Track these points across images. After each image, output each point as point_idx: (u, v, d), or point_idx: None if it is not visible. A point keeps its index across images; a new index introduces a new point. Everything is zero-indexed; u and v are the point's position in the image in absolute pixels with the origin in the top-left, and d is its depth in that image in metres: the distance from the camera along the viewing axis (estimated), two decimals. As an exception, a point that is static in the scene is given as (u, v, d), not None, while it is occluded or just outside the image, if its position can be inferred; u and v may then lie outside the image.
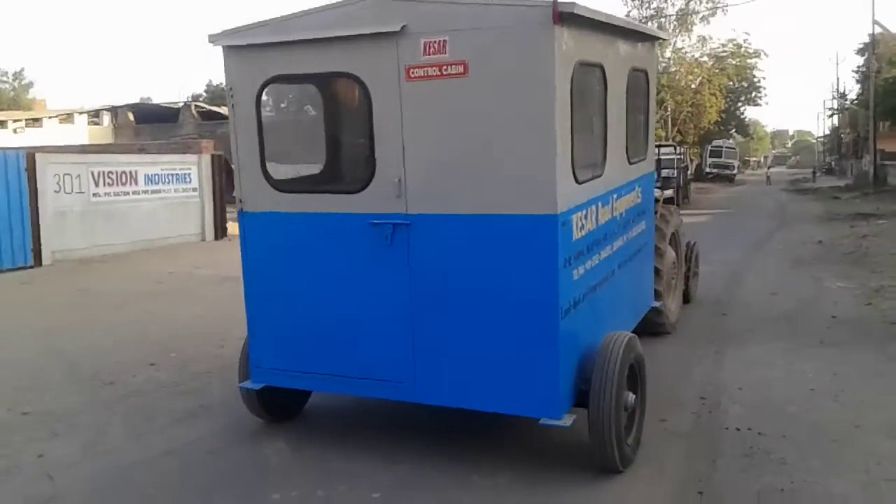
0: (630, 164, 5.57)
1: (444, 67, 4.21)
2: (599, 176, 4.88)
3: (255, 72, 4.66)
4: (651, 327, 7.41)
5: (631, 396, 4.65)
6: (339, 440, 5.15)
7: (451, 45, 4.18)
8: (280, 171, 5.06)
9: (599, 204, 4.85)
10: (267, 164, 4.76)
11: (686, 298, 8.96)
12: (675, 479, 4.51)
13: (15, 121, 35.78)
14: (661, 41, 6.47)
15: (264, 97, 4.80)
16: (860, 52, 44.14)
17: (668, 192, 8.08)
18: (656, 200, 7.39)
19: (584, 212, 4.55)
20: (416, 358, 4.56)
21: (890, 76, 36.29)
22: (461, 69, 4.19)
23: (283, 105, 6.01)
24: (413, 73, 4.28)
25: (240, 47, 4.65)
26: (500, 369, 4.38)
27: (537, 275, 4.21)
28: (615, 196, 5.20)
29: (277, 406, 5.37)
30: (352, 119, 4.60)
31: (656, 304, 6.67)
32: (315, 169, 5.52)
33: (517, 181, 4.19)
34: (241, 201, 4.87)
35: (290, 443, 5.17)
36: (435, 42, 4.21)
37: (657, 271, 7.16)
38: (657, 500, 4.29)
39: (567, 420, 4.29)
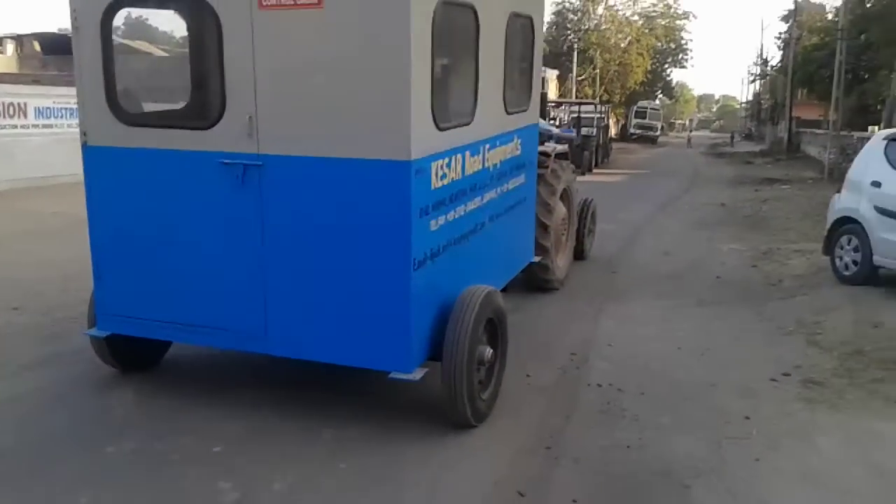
0: (508, 114, 5.41)
1: (297, -3, 3.94)
2: (467, 124, 4.70)
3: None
4: (538, 282, 7.40)
5: (488, 351, 4.57)
6: (193, 392, 4.93)
7: (306, -25, 3.91)
8: (145, 107, 4.73)
9: (467, 153, 4.68)
10: (118, 96, 4.42)
11: (579, 255, 8.97)
12: (527, 434, 4.47)
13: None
14: None
15: (117, 22, 4.43)
16: (784, 18, 44.97)
17: (561, 147, 7.97)
18: (546, 155, 7.31)
19: (447, 160, 4.37)
20: (268, 308, 4.36)
21: (809, 44, 37.17)
22: None
23: (150, 33, 5.63)
24: (265, 1, 3.99)
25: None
26: (351, 321, 4.22)
27: (389, 224, 4.04)
28: (487, 146, 5.04)
29: (131, 355, 5.08)
30: (206, 50, 4.28)
31: (537, 258, 6.60)
32: (179, 104, 5.18)
33: (371, 124, 3.98)
34: (84, 134, 4.52)
35: (140, 394, 4.93)
36: (288, -31, 3.92)
37: (544, 227, 7.09)
38: (505, 454, 4.23)
39: (417, 374, 4.17)
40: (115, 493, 3.81)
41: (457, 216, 4.60)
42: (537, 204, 7.13)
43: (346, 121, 4.03)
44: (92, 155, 4.55)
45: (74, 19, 4.37)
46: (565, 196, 8.02)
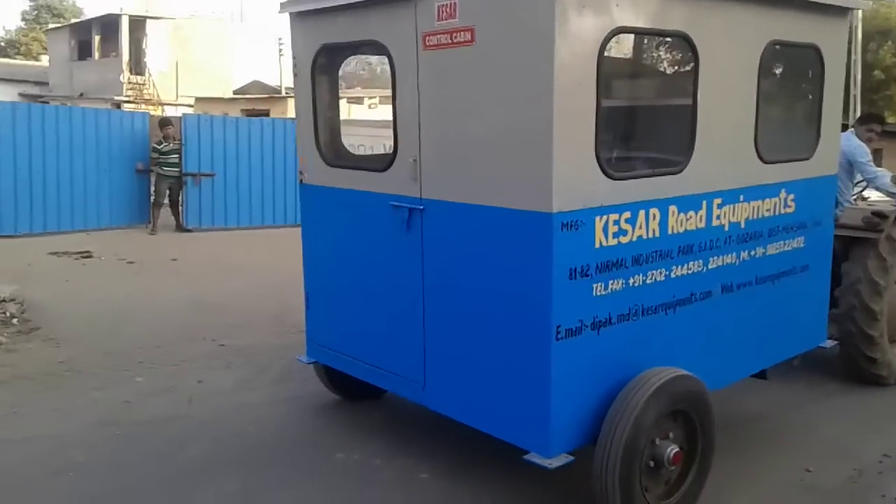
0: (765, 162, 4.38)
1: (454, 34, 3.68)
2: (674, 173, 3.91)
3: (310, 41, 4.53)
4: (863, 375, 5.92)
5: (671, 450, 3.72)
6: (410, 422, 4.96)
7: (460, 8, 3.64)
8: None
9: (672, 208, 3.89)
10: (319, 139, 4.63)
11: None
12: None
13: None
14: (850, 10, 4.94)
15: (320, 69, 4.61)
16: None
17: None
18: (882, 216, 5.80)
19: (628, 214, 3.68)
20: (427, 358, 4.13)
21: None
22: (468, 36, 3.62)
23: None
24: (429, 40, 3.81)
25: (299, 14, 4.55)
26: (496, 387, 3.79)
27: (529, 284, 3.53)
28: (718, 201, 4.13)
29: (350, 384, 5.16)
30: (393, 93, 4.24)
31: (829, 343, 5.21)
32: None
33: (517, 170, 3.53)
34: (301, 173, 4.82)
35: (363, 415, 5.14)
36: (447, 4, 3.69)
37: (869, 312, 5.66)
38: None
39: (555, 461, 3.55)
40: (335, 493, 4.19)
41: (648, 281, 3.84)
42: (862, 282, 5.71)
43: (495, 166, 3.64)
44: (305, 192, 4.82)
45: (294, 65, 4.67)
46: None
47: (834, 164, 5.00)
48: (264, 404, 5.33)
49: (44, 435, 4.76)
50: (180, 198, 13.43)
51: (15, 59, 50.78)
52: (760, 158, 4.36)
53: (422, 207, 4.00)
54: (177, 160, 13.23)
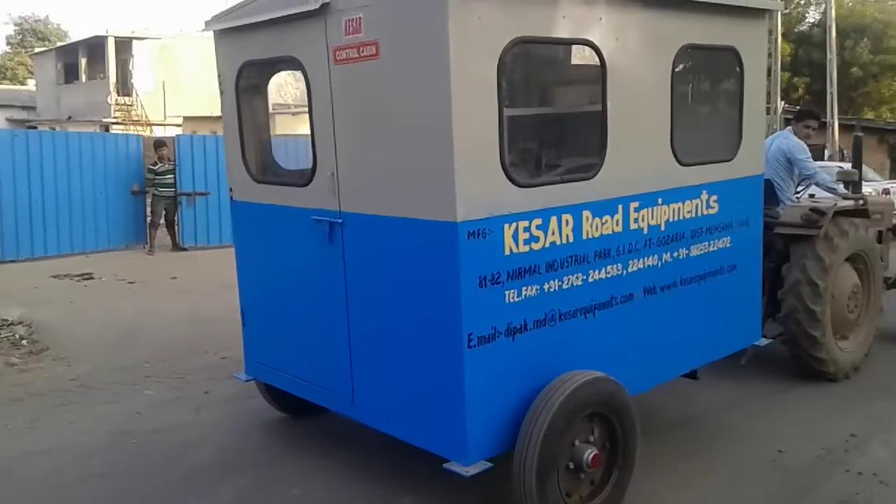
0: (683, 164, 4.44)
1: (361, 48, 3.73)
2: (586, 179, 3.96)
3: (233, 58, 4.57)
4: (807, 364, 5.99)
5: (589, 453, 3.76)
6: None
7: (364, 23, 3.69)
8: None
9: (586, 213, 3.94)
10: (246, 155, 4.66)
11: None
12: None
13: None
14: (767, 11, 5.01)
15: (245, 86, 4.65)
16: None
17: (849, 202, 6.31)
18: (820, 213, 5.88)
19: (539, 220, 3.72)
20: (354, 371, 4.16)
21: None
22: (374, 50, 3.67)
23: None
24: (338, 55, 3.85)
25: (222, 31, 4.59)
26: (416, 397, 3.83)
27: (440, 293, 3.57)
28: (635, 204, 4.19)
29: (291, 401, 5.13)
30: (309, 107, 4.28)
31: (765, 341, 5.27)
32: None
33: (423, 181, 3.58)
34: (230, 189, 4.84)
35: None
36: (353, 20, 3.73)
37: (810, 312, 5.75)
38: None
39: (472, 469, 3.58)
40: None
41: (565, 286, 3.89)
42: (802, 284, 5.78)
43: (405, 178, 3.69)
44: (234, 209, 4.85)
45: (220, 83, 4.71)
46: (861, 262, 6.37)
47: (759, 164, 5.07)
48: (267, 409, 5.39)
49: (64, 446, 5.02)
50: (176, 217, 13.59)
51: (1, 83, 50.65)
52: (678, 161, 4.42)
53: (341, 220, 4.03)
54: (172, 180, 13.38)
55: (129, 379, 6.34)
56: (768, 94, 19.72)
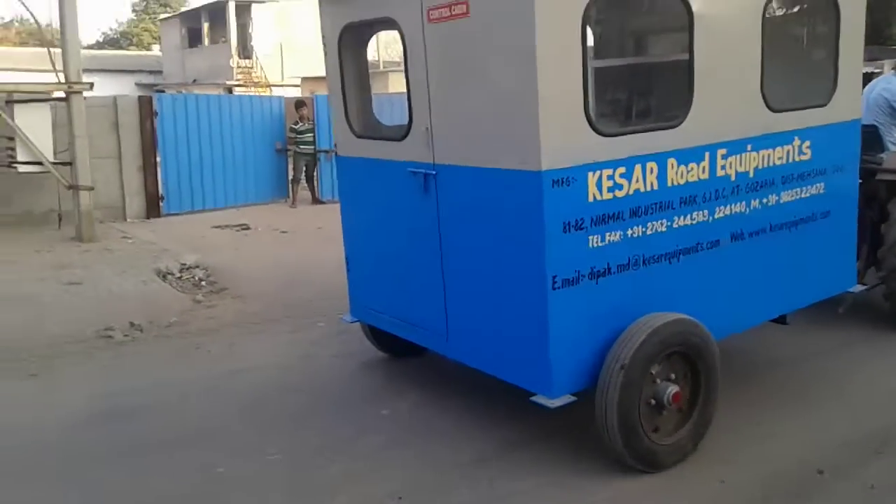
0: (775, 111, 4.45)
1: (453, 7, 3.94)
2: (672, 127, 4.07)
3: (335, 20, 4.87)
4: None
5: (671, 390, 3.94)
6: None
7: (456, -18, 3.90)
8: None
9: (672, 161, 4.06)
10: (349, 113, 4.98)
11: None
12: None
13: None
14: None
15: (346, 47, 4.93)
16: None
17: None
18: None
19: (623, 169, 3.88)
20: (448, 312, 4.46)
21: None
22: (464, 8, 3.88)
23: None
24: (432, 14, 4.08)
25: (324, -4, 4.90)
26: (505, 335, 4.10)
27: (526, 238, 3.81)
28: (723, 151, 4.26)
29: (393, 342, 5.48)
30: (405, 66, 4.52)
31: (857, 288, 5.23)
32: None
33: (510, 133, 3.79)
34: (335, 145, 5.19)
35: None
36: (445, -20, 3.95)
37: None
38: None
39: (557, 402, 3.84)
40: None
41: (649, 232, 4.04)
42: None
43: (494, 130, 3.91)
44: (340, 164, 5.21)
45: (324, 44, 5.02)
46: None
47: (856, 109, 4.99)
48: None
49: (263, 366, 5.83)
50: (315, 173, 14.41)
51: (128, 49, 53.51)
52: (769, 107, 4.44)
53: (435, 172, 4.30)
54: (311, 138, 14.11)
55: (303, 313, 7.06)
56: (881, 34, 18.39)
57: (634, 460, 3.90)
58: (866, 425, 4.47)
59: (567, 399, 3.87)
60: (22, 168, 10.60)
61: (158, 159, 12.90)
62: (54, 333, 6.52)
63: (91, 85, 10.53)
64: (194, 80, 36.22)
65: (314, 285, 7.97)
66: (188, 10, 42.20)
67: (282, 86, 32.76)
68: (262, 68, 34.93)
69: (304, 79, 30.43)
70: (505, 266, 3.99)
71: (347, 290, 5.40)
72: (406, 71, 4.38)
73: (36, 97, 10.78)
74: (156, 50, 46.65)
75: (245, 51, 35.88)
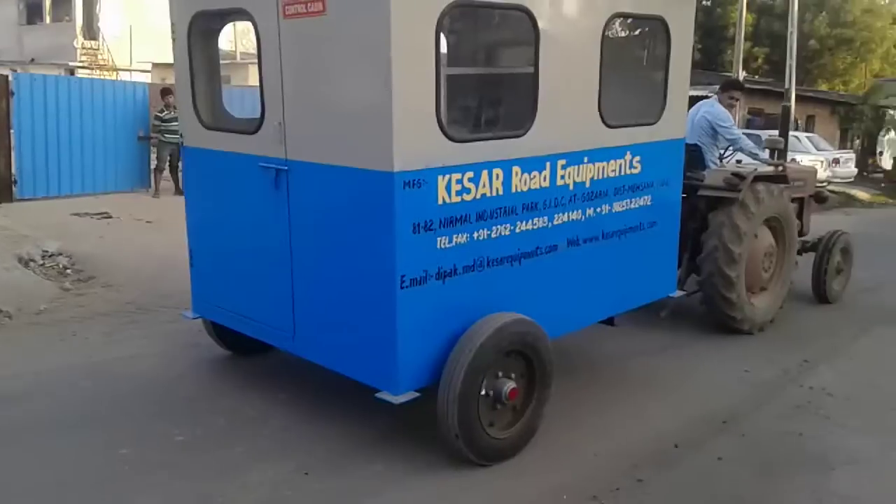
0: (609, 127, 4.78)
1: (309, 4, 3.95)
2: (518, 136, 4.28)
3: (185, 8, 4.74)
4: (723, 321, 6.47)
5: (508, 386, 4.14)
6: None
7: (313, -21, 3.91)
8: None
9: (516, 168, 4.26)
10: (197, 103, 4.85)
11: (823, 298, 7.67)
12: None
13: None
14: None
15: (196, 35, 4.81)
16: None
17: (767, 168, 6.79)
18: (740, 177, 6.30)
19: (470, 174, 4.03)
20: (295, 309, 4.45)
21: None
22: (321, 6, 3.89)
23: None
24: (287, 9, 4.07)
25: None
26: (352, 332, 4.15)
27: (377, 238, 3.88)
28: (562, 162, 4.52)
29: (236, 340, 5.39)
30: (259, 58, 4.48)
31: (677, 293, 5.72)
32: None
33: (364, 133, 3.85)
34: (181, 136, 5.05)
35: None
36: (302, -24, 3.96)
37: (726, 278, 6.19)
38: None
39: (401, 398, 3.94)
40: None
41: (493, 236, 4.22)
42: (718, 249, 6.23)
43: (348, 129, 3.96)
44: (186, 154, 5.06)
45: (172, 31, 4.87)
46: (777, 225, 6.85)
47: (681, 128, 5.44)
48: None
49: (148, 353, 5.73)
50: (180, 163, 13.53)
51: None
52: (605, 123, 4.76)
53: (287, 168, 4.29)
54: (177, 127, 13.22)
55: (180, 303, 6.56)
56: (730, 63, 20.22)
57: (476, 455, 4.06)
58: (709, 409, 5.02)
59: (410, 395, 3.97)
60: None
61: (13, 141, 12.07)
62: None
63: None
64: (32, 60, 33.39)
65: (188, 275, 7.56)
66: (28, -15, 38.86)
67: (130, 70, 31.04)
68: (108, 51, 32.88)
69: (155, 65, 29.08)
70: (354, 264, 4.05)
71: (190, 284, 5.26)
72: (259, 64, 4.33)
73: None
74: (-11, 24, 42.64)
75: (91, 31, 33.63)
